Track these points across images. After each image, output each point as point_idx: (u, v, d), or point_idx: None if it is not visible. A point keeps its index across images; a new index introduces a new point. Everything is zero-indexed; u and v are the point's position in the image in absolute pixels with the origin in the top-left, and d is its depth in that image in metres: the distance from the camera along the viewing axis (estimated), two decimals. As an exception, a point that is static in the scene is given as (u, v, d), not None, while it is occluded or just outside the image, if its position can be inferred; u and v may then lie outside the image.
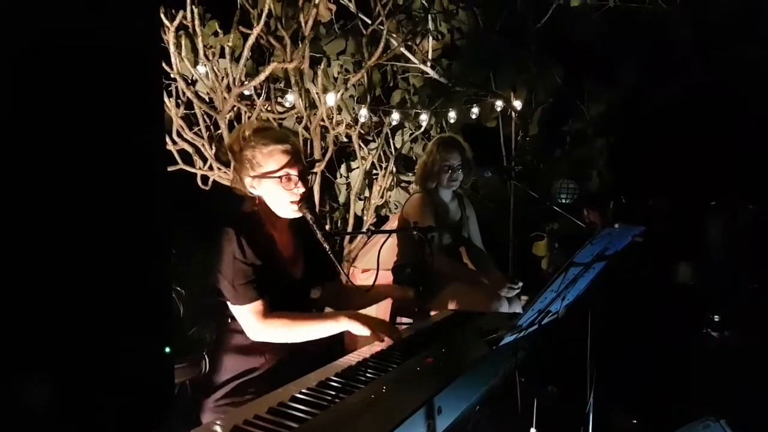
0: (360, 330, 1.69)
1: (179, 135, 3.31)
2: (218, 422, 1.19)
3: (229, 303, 1.72)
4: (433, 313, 2.41)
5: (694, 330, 4.25)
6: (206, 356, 1.92)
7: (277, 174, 1.74)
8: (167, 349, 0.97)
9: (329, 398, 1.30)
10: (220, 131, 3.31)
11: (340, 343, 1.84)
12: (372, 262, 3.04)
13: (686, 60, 4.86)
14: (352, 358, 1.62)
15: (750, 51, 4.64)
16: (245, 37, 3.16)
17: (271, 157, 1.75)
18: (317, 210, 3.69)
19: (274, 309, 1.72)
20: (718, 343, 4.18)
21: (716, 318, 4.31)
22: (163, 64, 3.14)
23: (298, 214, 1.79)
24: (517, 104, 4.27)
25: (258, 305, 1.70)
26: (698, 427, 2.28)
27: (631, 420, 2.92)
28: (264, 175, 1.75)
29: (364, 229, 3.91)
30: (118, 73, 0.88)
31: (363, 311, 1.84)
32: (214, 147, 3.29)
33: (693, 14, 4.52)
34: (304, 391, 1.35)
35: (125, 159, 0.89)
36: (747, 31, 4.61)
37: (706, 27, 4.63)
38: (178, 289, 3.03)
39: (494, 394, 1.80)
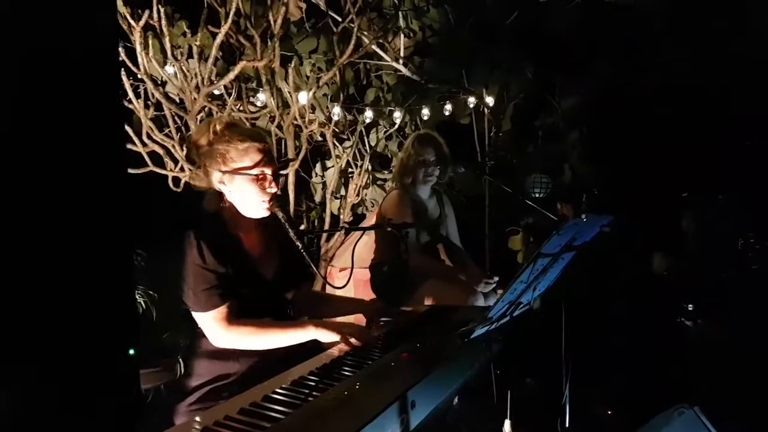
0: (329, 337, 1.68)
1: (149, 137, 3.25)
2: (189, 424, 1.17)
3: (191, 310, 1.67)
4: (408, 309, 2.41)
5: (669, 319, 4.32)
6: (180, 360, 1.89)
7: (253, 171, 1.71)
8: (132, 351, 0.95)
9: (302, 397, 1.29)
10: (191, 132, 3.27)
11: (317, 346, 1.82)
12: (349, 261, 3.03)
13: (657, 53, 4.94)
14: (326, 357, 1.61)
15: (722, 45, 4.73)
16: (215, 36, 3.12)
17: (247, 155, 1.71)
18: (293, 210, 3.66)
19: (242, 313, 1.69)
20: (691, 332, 4.26)
21: (690, 307, 4.39)
22: (131, 65, 3.08)
23: (266, 213, 1.76)
24: (490, 100, 4.29)
25: (221, 312, 1.65)
26: (673, 414, 2.30)
27: (607, 411, 2.95)
28: (236, 171, 1.70)
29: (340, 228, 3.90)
30: (73, 72, 0.86)
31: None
32: (185, 148, 3.25)
33: (663, 8, 4.58)
34: (277, 390, 1.34)
35: (82, 158, 0.87)
36: (719, 25, 4.69)
37: (677, 21, 4.70)
38: (151, 293, 2.99)
39: (473, 388, 1.80)
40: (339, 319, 2.04)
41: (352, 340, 1.67)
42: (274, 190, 1.75)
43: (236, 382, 1.69)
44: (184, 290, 1.66)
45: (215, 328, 1.66)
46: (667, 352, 3.73)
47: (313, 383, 1.38)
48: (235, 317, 1.67)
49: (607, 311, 3.91)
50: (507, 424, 1.53)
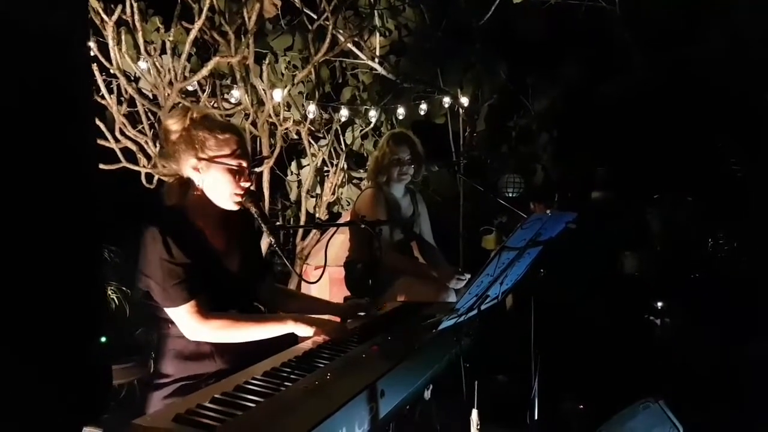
0: (305, 331, 1.68)
1: (122, 133, 3.23)
2: (161, 411, 1.18)
3: (163, 306, 1.65)
4: (379, 308, 2.43)
5: (637, 316, 4.43)
6: (153, 356, 1.88)
7: (231, 162, 1.72)
8: (103, 339, 0.96)
9: (273, 386, 1.31)
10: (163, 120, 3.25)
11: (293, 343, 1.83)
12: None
13: (627, 56, 5.05)
14: (298, 350, 1.62)
15: (688, 49, 4.85)
16: (188, 32, 3.11)
17: (226, 145, 1.72)
18: (268, 208, 3.66)
19: (212, 307, 1.67)
20: (659, 329, 4.37)
21: (659, 305, 4.51)
22: (104, 60, 3.06)
23: (236, 207, 1.76)
24: (464, 101, 4.34)
25: (193, 305, 1.63)
26: (638, 408, 2.36)
27: (578, 405, 3.01)
28: (213, 159, 1.70)
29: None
30: (39, 61, 0.86)
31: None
32: (158, 144, 3.23)
33: (632, 13, 4.69)
34: (248, 380, 1.35)
35: (48, 150, 0.87)
36: (685, 30, 4.81)
37: (645, 25, 4.81)
38: (124, 289, 2.96)
39: (443, 382, 1.83)
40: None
41: (329, 337, 1.67)
42: (248, 184, 1.76)
43: (208, 378, 1.68)
44: (151, 287, 1.64)
45: (190, 321, 1.64)
46: (634, 347, 3.82)
47: (284, 374, 1.40)
48: (208, 309, 1.66)
49: (577, 308, 3.98)
50: (474, 413, 1.56)
